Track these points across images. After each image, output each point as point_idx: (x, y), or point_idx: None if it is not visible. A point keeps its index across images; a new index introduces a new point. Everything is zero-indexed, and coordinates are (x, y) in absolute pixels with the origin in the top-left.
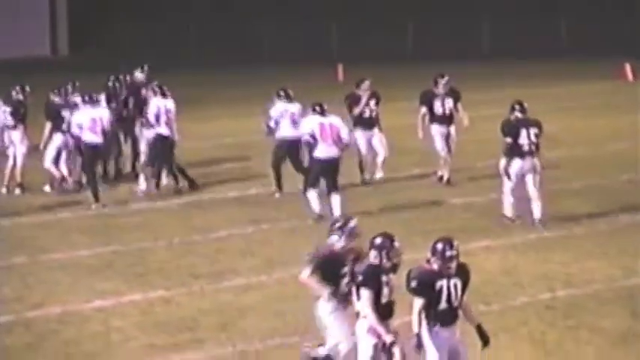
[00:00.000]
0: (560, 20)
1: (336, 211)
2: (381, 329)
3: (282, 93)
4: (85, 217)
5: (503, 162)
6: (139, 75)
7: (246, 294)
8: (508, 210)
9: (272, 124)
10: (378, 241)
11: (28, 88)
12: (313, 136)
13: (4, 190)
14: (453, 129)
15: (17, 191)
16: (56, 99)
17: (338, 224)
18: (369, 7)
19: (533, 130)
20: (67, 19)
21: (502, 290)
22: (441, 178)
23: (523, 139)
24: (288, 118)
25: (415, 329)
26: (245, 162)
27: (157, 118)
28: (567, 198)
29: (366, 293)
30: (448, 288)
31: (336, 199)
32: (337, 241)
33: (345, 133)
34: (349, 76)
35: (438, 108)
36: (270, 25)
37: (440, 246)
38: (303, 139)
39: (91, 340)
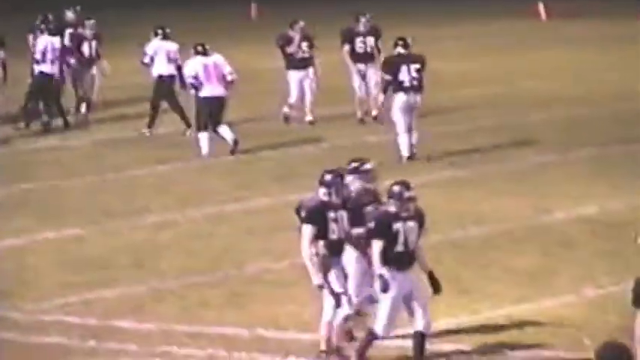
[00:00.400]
0: None
1: (228, 137)
2: (312, 269)
3: (159, 31)
4: None
5: (381, 98)
6: (69, 15)
7: (160, 232)
8: (404, 149)
9: (147, 60)
10: (328, 177)
11: None
12: (197, 78)
13: None
14: (372, 68)
15: None
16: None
17: (353, 165)
18: None
19: (414, 66)
20: None
21: None
22: (362, 120)
23: (404, 75)
24: (163, 55)
25: (377, 271)
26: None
27: (44, 55)
28: (479, 136)
29: (308, 229)
30: (405, 231)
31: (224, 129)
32: (351, 183)
33: (228, 71)
34: (263, 14)
35: (359, 46)
36: None
37: (397, 188)
38: (187, 82)
39: (4, 278)
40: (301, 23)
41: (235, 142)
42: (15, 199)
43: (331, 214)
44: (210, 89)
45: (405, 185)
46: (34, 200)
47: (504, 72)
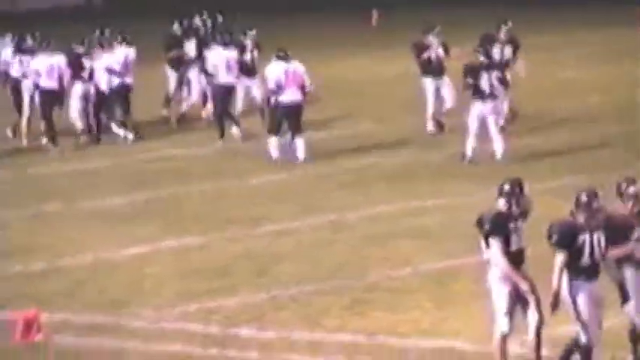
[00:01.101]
0: None
1: (300, 155)
2: (516, 276)
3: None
4: (115, 165)
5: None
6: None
7: (280, 240)
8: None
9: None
10: (507, 187)
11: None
12: (279, 84)
13: (25, 141)
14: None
15: (44, 141)
16: (79, 49)
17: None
18: None
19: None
20: None
21: None
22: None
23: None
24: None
25: (554, 286)
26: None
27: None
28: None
29: (495, 242)
30: (591, 242)
31: (300, 143)
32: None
33: (307, 79)
34: (384, 20)
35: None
36: None
37: (584, 198)
38: (269, 88)
39: (125, 287)
40: (438, 28)
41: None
42: (137, 208)
43: (511, 225)
44: (290, 94)
45: (594, 194)
46: (156, 209)
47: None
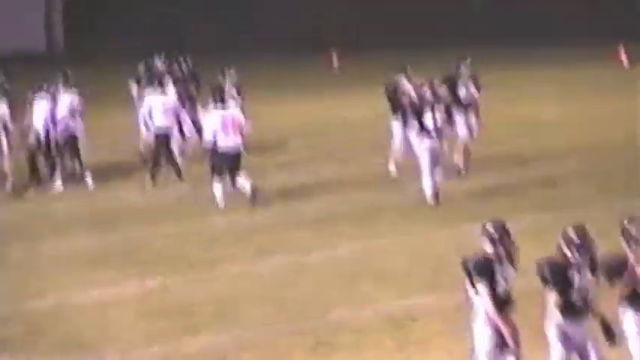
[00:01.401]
0: None
1: (248, 192)
2: (500, 321)
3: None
4: (77, 207)
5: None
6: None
7: (241, 281)
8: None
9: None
10: (492, 230)
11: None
12: (215, 130)
13: None
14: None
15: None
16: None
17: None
18: None
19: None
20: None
21: None
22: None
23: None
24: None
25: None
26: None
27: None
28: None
29: (481, 285)
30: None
31: (242, 182)
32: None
33: (246, 124)
34: (343, 63)
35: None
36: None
37: (572, 235)
38: (207, 135)
39: (89, 329)
40: (469, 59)
41: (253, 193)
42: (98, 251)
43: (497, 268)
44: (227, 140)
45: (582, 232)
46: (117, 251)
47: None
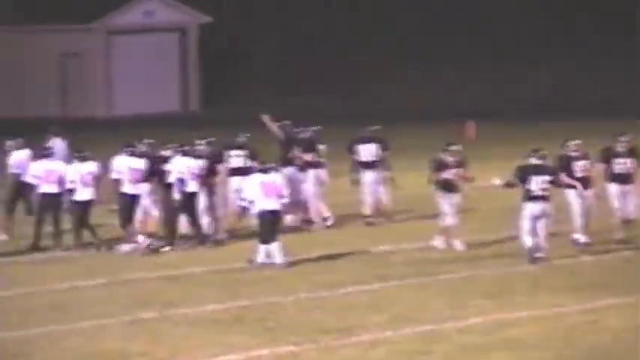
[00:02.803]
0: None
1: (278, 259)
2: None
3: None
4: (209, 272)
5: None
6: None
7: (373, 350)
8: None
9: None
10: None
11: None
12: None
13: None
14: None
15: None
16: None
17: None
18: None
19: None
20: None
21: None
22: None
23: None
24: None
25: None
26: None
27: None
28: None
29: None
30: None
31: (276, 246)
32: None
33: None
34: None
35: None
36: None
37: None
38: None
39: None
40: (628, 136)
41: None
42: (230, 315)
43: None
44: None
45: None
46: (250, 317)
47: None
